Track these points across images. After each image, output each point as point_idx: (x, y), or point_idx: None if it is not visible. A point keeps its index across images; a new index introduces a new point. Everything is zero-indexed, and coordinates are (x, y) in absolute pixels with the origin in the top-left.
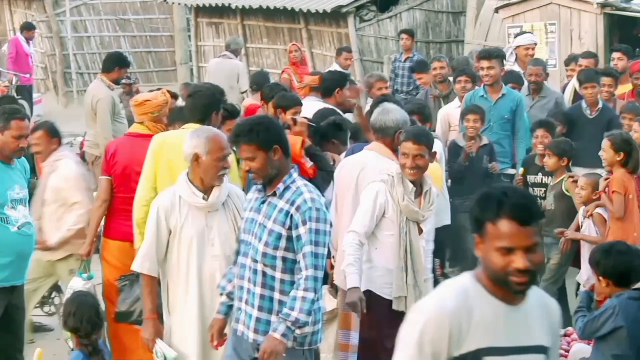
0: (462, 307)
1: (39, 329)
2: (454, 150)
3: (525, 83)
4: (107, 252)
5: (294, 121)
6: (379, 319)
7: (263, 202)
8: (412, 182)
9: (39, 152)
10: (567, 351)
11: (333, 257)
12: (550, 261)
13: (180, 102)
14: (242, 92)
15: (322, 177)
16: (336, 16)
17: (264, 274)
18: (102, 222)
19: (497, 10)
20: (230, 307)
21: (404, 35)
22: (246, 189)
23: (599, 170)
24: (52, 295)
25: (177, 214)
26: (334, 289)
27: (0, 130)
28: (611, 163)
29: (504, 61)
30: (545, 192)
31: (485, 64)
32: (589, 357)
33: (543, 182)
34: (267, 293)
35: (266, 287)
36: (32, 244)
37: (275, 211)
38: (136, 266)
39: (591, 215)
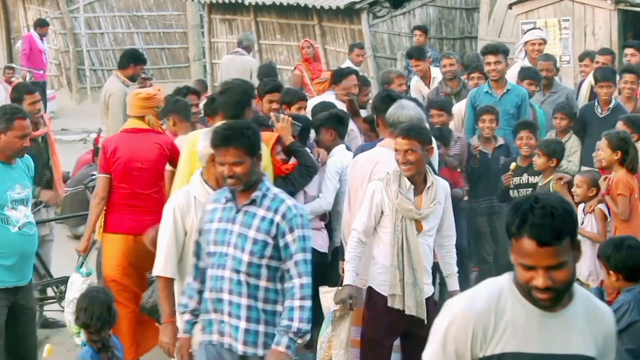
0: (492, 308)
1: (52, 324)
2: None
3: None
4: (108, 246)
5: (277, 118)
6: (377, 316)
7: (238, 212)
8: (410, 178)
9: None
10: None
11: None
12: None
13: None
14: None
15: (300, 173)
16: (349, 13)
17: (248, 284)
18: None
19: (510, 6)
20: (195, 324)
21: (417, 32)
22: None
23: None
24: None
25: (192, 214)
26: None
27: (3, 131)
28: (610, 162)
29: (515, 58)
30: (532, 192)
31: (491, 59)
32: None
33: (530, 182)
34: (252, 303)
35: (251, 298)
36: (34, 244)
37: (256, 220)
38: (159, 270)
39: (592, 211)
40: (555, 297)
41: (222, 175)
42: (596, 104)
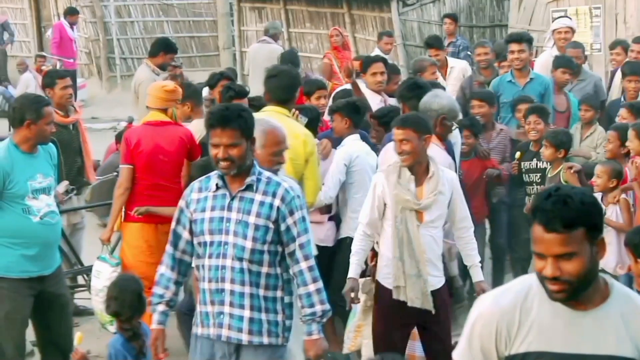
0: (518, 306)
1: (83, 312)
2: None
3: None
4: (129, 235)
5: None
6: (384, 309)
7: (233, 199)
8: (411, 169)
9: None
10: None
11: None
12: None
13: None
14: None
15: None
16: (379, 1)
17: (250, 271)
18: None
19: None
20: (168, 316)
21: (447, 20)
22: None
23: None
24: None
25: None
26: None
27: (34, 121)
28: (638, 152)
29: (544, 46)
30: (540, 177)
31: (515, 47)
32: None
33: (538, 167)
34: (254, 291)
35: (253, 285)
36: (57, 233)
37: (254, 205)
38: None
39: (617, 201)
40: (568, 290)
41: (215, 157)
42: (622, 100)
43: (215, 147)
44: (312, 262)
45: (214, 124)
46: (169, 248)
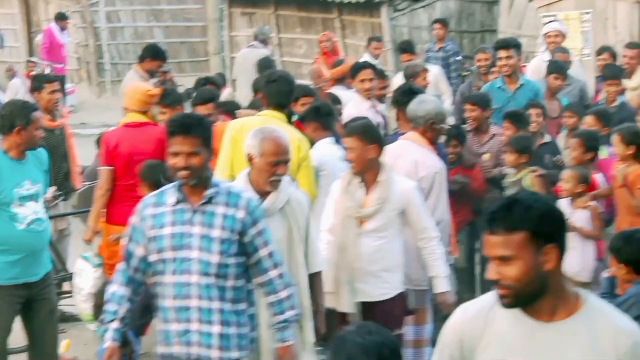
0: (483, 315)
1: (69, 318)
2: None
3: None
4: (109, 237)
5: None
6: (332, 319)
7: (194, 213)
8: (362, 176)
9: None
10: None
11: None
12: None
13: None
14: None
15: None
16: (369, 6)
17: (217, 286)
18: None
19: None
20: (123, 333)
21: (437, 25)
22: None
23: None
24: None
25: None
26: None
27: (24, 127)
28: (623, 158)
29: (537, 51)
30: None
31: (503, 53)
32: None
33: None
34: (223, 306)
35: (221, 300)
36: (44, 240)
37: (217, 218)
38: None
39: (587, 207)
40: (510, 296)
41: (174, 167)
42: (604, 102)
43: (174, 155)
44: (282, 269)
45: (175, 131)
46: (121, 265)
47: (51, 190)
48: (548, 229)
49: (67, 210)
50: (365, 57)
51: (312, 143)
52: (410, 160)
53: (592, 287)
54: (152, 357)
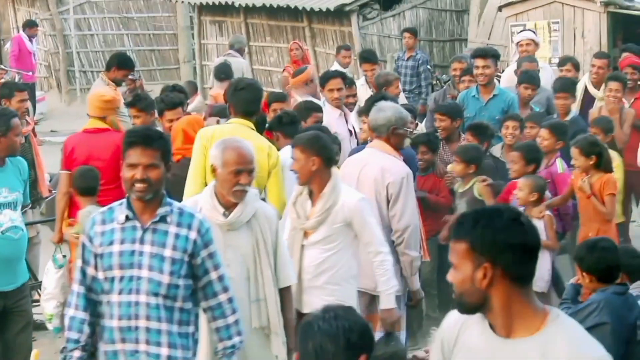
0: (460, 323)
1: (39, 327)
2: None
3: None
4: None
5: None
6: None
7: (145, 231)
8: (307, 187)
9: None
10: None
11: None
12: None
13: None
14: None
15: None
16: (339, 15)
17: (165, 307)
18: None
19: (500, 8)
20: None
21: (406, 34)
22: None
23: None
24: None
25: None
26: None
27: (4, 134)
28: (586, 169)
29: (510, 60)
30: None
31: (480, 62)
32: None
33: None
34: (170, 328)
35: (169, 322)
36: (20, 248)
37: (169, 238)
38: None
39: (542, 217)
40: (456, 301)
41: (130, 180)
42: (555, 115)
43: (132, 167)
44: (231, 293)
45: (136, 142)
46: (76, 287)
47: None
48: (486, 248)
49: (35, 218)
50: (335, 66)
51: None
52: (377, 168)
53: (548, 297)
54: None
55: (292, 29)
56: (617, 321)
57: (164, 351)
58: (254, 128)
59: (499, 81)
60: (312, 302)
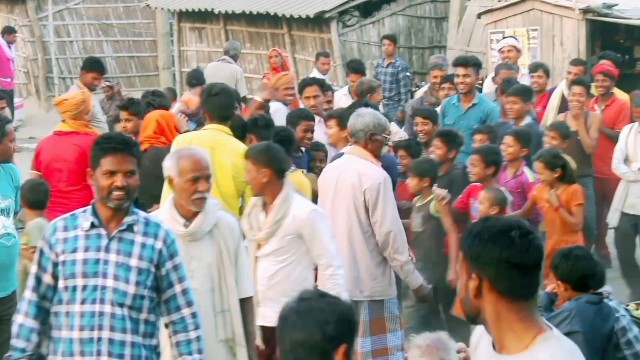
0: (479, 332)
1: None
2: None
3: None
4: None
5: None
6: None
7: (111, 239)
8: (261, 198)
9: None
10: None
11: None
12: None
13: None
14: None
15: None
16: (319, 21)
17: (130, 318)
18: None
19: (479, 15)
20: None
21: (386, 41)
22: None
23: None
24: None
25: None
26: None
27: None
28: (551, 183)
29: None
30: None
31: (461, 71)
32: None
33: None
34: (135, 339)
35: (134, 333)
36: (12, 255)
37: (136, 247)
38: None
39: None
40: (465, 312)
41: (107, 187)
42: (512, 122)
43: (110, 175)
44: (195, 308)
45: (116, 148)
46: (28, 294)
47: None
48: (473, 259)
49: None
50: (314, 73)
51: None
52: (354, 174)
53: None
54: None
55: (272, 35)
56: (590, 331)
57: None
58: (230, 133)
59: (480, 90)
60: (267, 314)
